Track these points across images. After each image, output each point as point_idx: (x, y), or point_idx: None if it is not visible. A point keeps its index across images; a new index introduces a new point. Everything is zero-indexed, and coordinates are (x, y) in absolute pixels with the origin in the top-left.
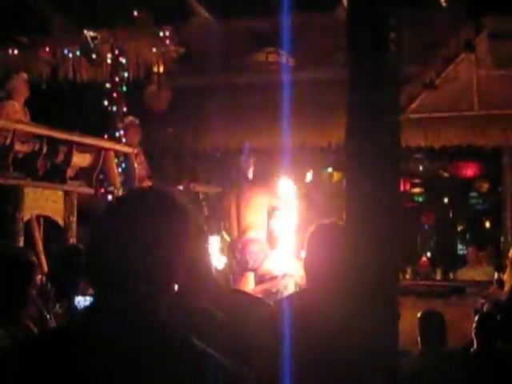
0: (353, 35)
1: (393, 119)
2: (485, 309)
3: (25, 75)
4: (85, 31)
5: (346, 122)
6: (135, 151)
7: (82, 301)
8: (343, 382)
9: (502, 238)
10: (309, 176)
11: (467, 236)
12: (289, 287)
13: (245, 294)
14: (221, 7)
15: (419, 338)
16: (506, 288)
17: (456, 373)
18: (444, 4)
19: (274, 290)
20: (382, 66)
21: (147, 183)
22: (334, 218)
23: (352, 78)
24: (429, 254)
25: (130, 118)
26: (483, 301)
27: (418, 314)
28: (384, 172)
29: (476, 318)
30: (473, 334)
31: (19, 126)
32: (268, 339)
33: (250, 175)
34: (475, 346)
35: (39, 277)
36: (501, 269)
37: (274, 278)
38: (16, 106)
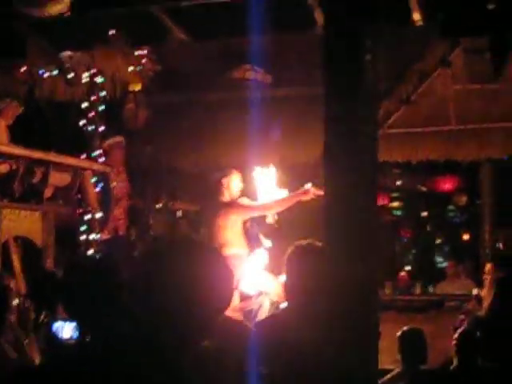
0: (328, 56)
1: (369, 135)
2: (464, 326)
3: (16, 104)
4: (61, 53)
5: (324, 138)
6: (118, 170)
7: (61, 327)
8: None
9: (481, 252)
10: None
11: (446, 249)
12: (264, 306)
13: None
14: (197, 29)
15: (400, 356)
16: (485, 305)
17: None
18: (419, 23)
19: (248, 309)
20: (358, 85)
21: (126, 202)
22: (311, 239)
23: (329, 96)
24: (408, 268)
25: (117, 137)
26: (463, 317)
27: (398, 333)
28: (361, 187)
29: (456, 336)
30: (453, 352)
31: None
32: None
33: (229, 193)
34: (455, 363)
35: (17, 301)
36: (479, 284)
37: (249, 297)
38: (2, 125)
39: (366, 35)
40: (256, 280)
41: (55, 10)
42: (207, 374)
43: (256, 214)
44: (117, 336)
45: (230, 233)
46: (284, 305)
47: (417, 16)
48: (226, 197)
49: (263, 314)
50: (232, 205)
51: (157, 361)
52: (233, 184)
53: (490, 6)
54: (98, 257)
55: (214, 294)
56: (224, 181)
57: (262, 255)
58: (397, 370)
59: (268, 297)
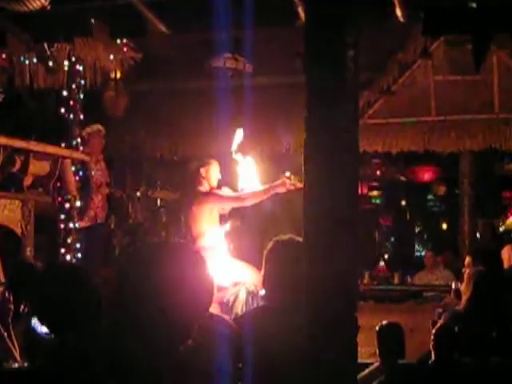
0: (310, 50)
1: (350, 126)
2: (442, 319)
3: None
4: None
5: (304, 129)
6: (96, 158)
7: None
8: None
9: (460, 242)
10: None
11: (425, 237)
12: (240, 296)
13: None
14: (177, 21)
15: (377, 351)
16: (463, 299)
17: None
18: (401, 19)
19: (224, 301)
20: (339, 77)
21: (105, 190)
22: (291, 234)
23: (309, 88)
24: (386, 256)
25: (97, 126)
26: (440, 310)
27: (377, 328)
28: (342, 177)
29: (433, 331)
30: (430, 346)
31: None
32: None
33: (207, 182)
34: (433, 358)
35: None
36: (458, 274)
37: (224, 288)
38: None
39: (348, 28)
40: (230, 270)
41: (36, 4)
42: (185, 376)
43: (231, 204)
44: (92, 343)
45: (206, 223)
46: (260, 293)
47: (399, 12)
48: (205, 186)
49: (239, 304)
50: (208, 194)
51: (135, 366)
52: (211, 173)
53: (472, 4)
54: (70, 263)
55: (195, 297)
56: (202, 170)
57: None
58: (375, 365)
59: (244, 286)
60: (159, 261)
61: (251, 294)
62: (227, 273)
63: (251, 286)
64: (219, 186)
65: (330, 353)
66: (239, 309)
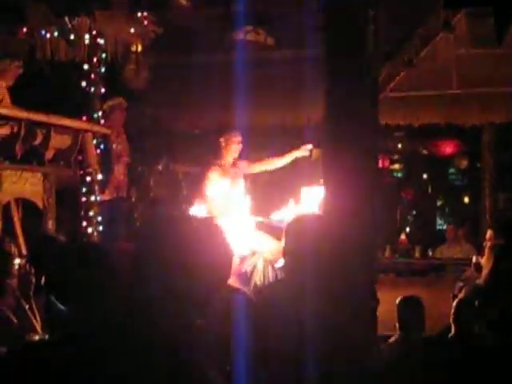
0: (330, 24)
1: (370, 100)
2: (463, 293)
3: (18, 64)
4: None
5: (324, 102)
6: (118, 131)
7: None
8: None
9: (482, 216)
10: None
11: (446, 211)
12: (258, 266)
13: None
14: None
15: (398, 324)
16: (484, 273)
17: (434, 359)
18: None
19: (243, 271)
20: (360, 55)
21: (126, 164)
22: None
23: (330, 66)
24: (408, 230)
25: (119, 99)
26: (461, 284)
27: (397, 300)
28: (361, 150)
29: (454, 304)
30: (450, 320)
31: None
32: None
33: (227, 153)
34: (453, 331)
35: (18, 261)
36: (479, 248)
37: (242, 258)
38: (2, 86)
39: (368, 11)
40: (248, 239)
41: None
42: (201, 350)
43: (257, 169)
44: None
45: (222, 193)
46: (279, 264)
47: None
48: (225, 158)
49: (258, 274)
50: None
51: (152, 343)
52: (231, 144)
53: None
54: (87, 243)
55: (213, 270)
56: (221, 140)
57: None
58: (394, 338)
59: (261, 256)
60: (176, 233)
61: (269, 264)
62: (244, 242)
63: (269, 255)
64: (238, 159)
65: (350, 326)
66: (257, 279)
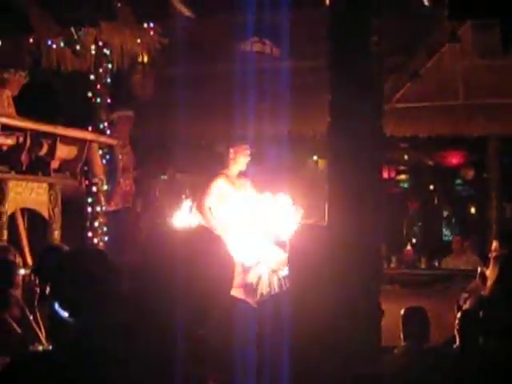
0: (335, 34)
1: (374, 112)
2: (467, 304)
3: (23, 74)
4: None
5: (329, 115)
6: (123, 142)
7: None
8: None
9: (488, 227)
10: None
11: (453, 221)
12: (263, 276)
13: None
14: (203, 6)
15: (402, 334)
16: (489, 284)
17: (438, 371)
18: (426, 3)
19: (248, 282)
20: (364, 65)
21: (132, 174)
22: (316, 219)
23: (334, 77)
24: (414, 241)
25: (128, 112)
26: (466, 295)
27: (401, 311)
28: (366, 163)
29: (458, 315)
30: (455, 331)
31: (3, 120)
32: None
33: (235, 165)
34: (457, 342)
35: (23, 272)
36: (485, 260)
37: (246, 269)
38: (7, 96)
39: (373, 21)
40: (251, 249)
41: None
42: (201, 361)
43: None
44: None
45: (223, 203)
46: (284, 272)
47: None
48: (232, 169)
49: (263, 284)
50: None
51: (153, 350)
52: (240, 156)
53: None
54: (92, 248)
55: (215, 282)
56: (231, 151)
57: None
58: (399, 348)
59: (266, 265)
60: (178, 245)
61: (274, 273)
62: (248, 253)
63: (274, 265)
64: (246, 172)
65: (353, 337)
66: (264, 289)
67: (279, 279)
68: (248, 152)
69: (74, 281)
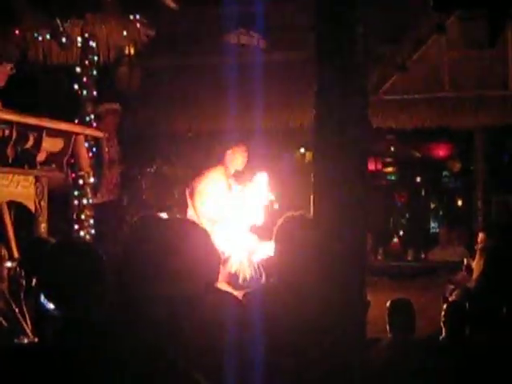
0: (320, 25)
1: (359, 103)
2: (454, 296)
3: (9, 66)
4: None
5: (314, 105)
6: (107, 135)
7: None
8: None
9: (474, 219)
10: None
11: (440, 213)
12: (243, 262)
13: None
14: None
15: (388, 326)
16: (475, 276)
17: (424, 363)
18: None
19: (232, 272)
20: (350, 56)
21: (118, 167)
22: (302, 211)
23: (320, 65)
24: (401, 233)
25: (115, 105)
26: (452, 287)
27: (388, 303)
28: (351, 154)
29: (444, 307)
30: (441, 323)
31: None
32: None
33: (231, 165)
34: (443, 334)
35: (9, 265)
36: (472, 251)
37: (225, 259)
38: None
39: (358, 12)
40: (228, 238)
41: None
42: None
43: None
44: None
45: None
46: (259, 256)
47: None
48: (229, 167)
49: (245, 270)
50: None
51: (139, 344)
52: (237, 157)
53: None
54: (79, 240)
55: (200, 273)
56: (229, 152)
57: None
58: (385, 340)
59: (244, 250)
60: (162, 236)
61: (251, 255)
62: (227, 243)
63: (249, 250)
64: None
65: (339, 328)
66: (246, 273)
67: (254, 263)
68: (245, 154)
69: (60, 273)
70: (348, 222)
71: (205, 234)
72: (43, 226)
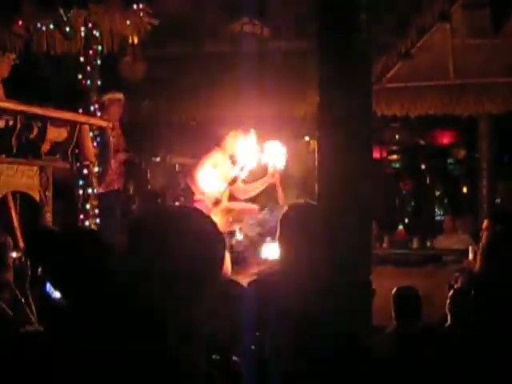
0: (324, 13)
1: (363, 92)
2: (459, 283)
3: (12, 56)
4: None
5: (318, 94)
6: (111, 125)
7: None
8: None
9: (479, 206)
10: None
11: (445, 201)
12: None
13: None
14: None
15: (394, 314)
16: (478, 262)
17: (429, 350)
18: None
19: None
20: (353, 44)
21: (123, 157)
22: (307, 199)
23: (323, 53)
24: (406, 221)
25: (118, 94)
26: (457, 274)
27: (393, 291)
28: (355, 142)
29: (450, 294)
30: (447, 310)
31: None
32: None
33: (230, 150)
34: (449, 321)
35: (14, 255)
36: (477, 239)
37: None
38: None
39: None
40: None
41: None
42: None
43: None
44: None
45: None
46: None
47: None
48: (227, 151)
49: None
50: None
51: (145, 328)
52: (234, 142)
53: None
54: (85, 229)
55: (206, 262)
56: (227, 137)
57: None
58: (390, 328)
59: (238, 227)
60: (167, 225)
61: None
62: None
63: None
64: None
65: (344, 316)
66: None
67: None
68: (242, 138)
69: (66, 261)
70: (353, 209)
71: (210, 220)
72: (48, 216)
